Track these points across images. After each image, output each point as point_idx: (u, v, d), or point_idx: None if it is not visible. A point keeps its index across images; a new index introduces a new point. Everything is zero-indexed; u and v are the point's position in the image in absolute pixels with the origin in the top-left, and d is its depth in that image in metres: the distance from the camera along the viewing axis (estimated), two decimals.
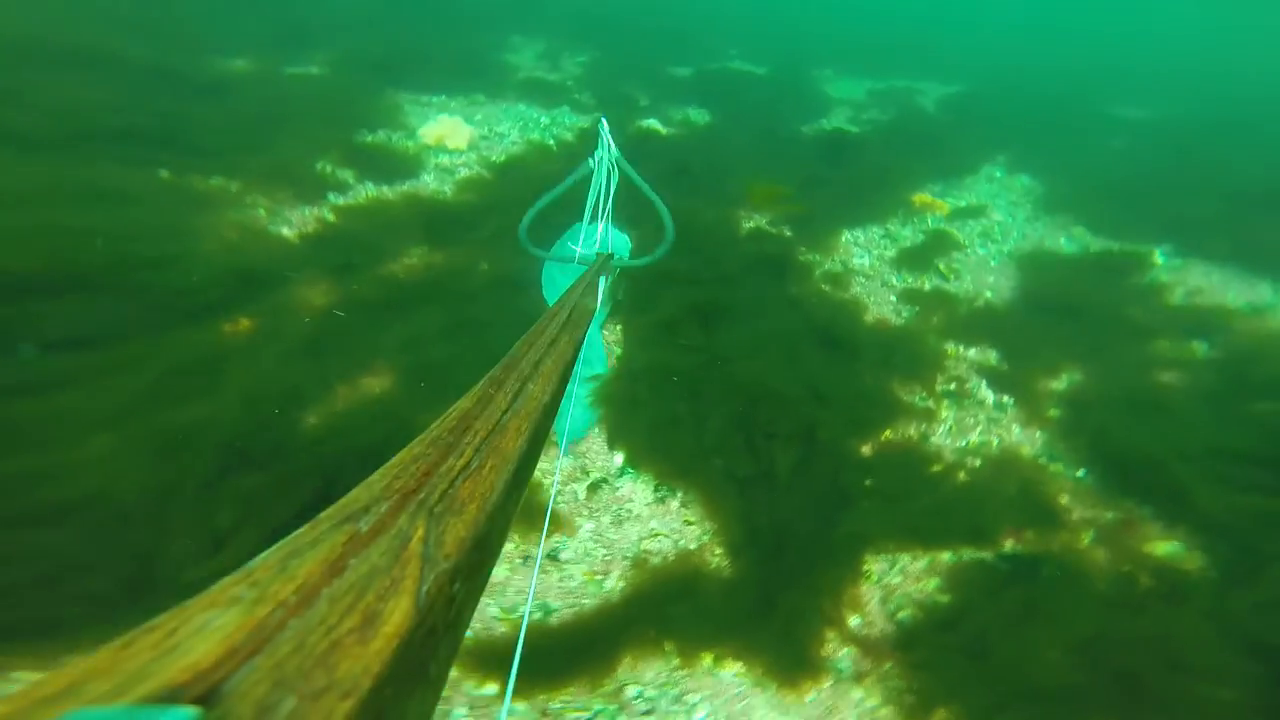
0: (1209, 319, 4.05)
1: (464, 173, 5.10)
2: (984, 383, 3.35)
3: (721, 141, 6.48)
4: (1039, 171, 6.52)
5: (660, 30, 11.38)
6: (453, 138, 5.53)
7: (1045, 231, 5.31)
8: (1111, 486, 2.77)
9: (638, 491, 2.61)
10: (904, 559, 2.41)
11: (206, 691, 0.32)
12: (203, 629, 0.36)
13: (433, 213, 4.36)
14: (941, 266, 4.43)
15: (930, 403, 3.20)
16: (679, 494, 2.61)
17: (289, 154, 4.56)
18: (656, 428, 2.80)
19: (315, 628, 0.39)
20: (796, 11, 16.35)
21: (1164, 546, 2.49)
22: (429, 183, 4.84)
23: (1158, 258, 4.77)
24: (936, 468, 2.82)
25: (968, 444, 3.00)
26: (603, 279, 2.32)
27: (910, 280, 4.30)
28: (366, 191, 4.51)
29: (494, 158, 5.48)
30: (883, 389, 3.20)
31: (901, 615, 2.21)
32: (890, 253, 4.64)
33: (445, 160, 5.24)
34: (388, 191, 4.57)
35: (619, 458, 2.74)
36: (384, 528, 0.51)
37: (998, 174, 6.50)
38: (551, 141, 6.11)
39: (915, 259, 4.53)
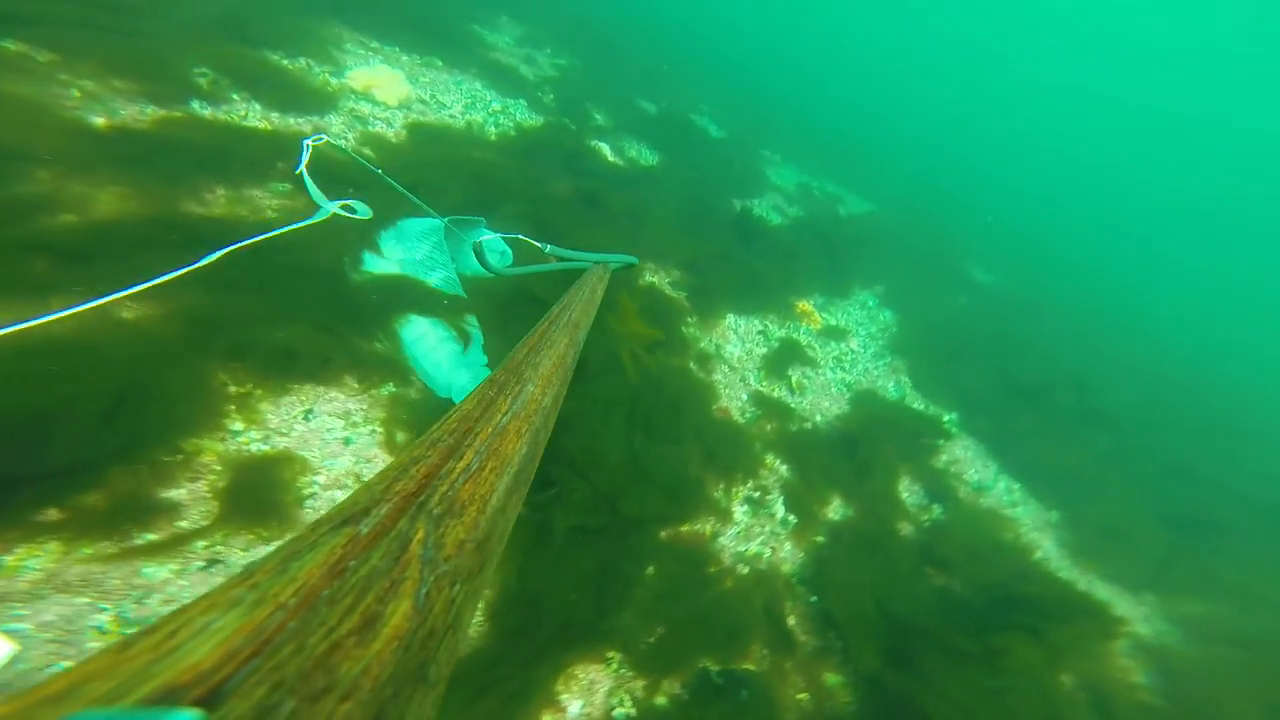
0: (951, 486, 4.59)
1: (377, 127, 4.59)
2: (781, 499, 3.60)
3: (656, 188, 6.28)
4: (900, 310, 6.95)
5: (643, 63, 11.19)
6: (384, 90, 5.02)
7: (882, 373, 5.63)
8: (823, 616, 3.05)
9: None
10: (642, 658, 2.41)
11: (207, 693, 0.33)
12: (203, 631, 0.36)
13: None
14: (794, 380, 4.69)
15: (733, 504, 3.39)
16: None
17: (156, 44, 3.79)
18: None
19: (315, 630, 0.39)
20: (772, 84, 16.60)
21: (833, 678, 2.77)
22: (330, 124, 4.29)
23: (946, 423, 5.42)
24: (712, 568, 2.96)
25: (747, 550, 3.19)
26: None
27: (764, 384, 4.49)
28: (245, 111, 3.86)
29: (422, 121, 5.04)
30: (699, 480, 3.33)
31: (618, 711, 2.24)
32: (760, 350, 4.80)
33: (364, 109, 4.71)
34: (274, 119, 3.96)
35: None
36: (384, 530, 0.51)
37: (870, 303, 6.86)
38: (492, 129, 5.71)
39: (777, 363, 4.72)
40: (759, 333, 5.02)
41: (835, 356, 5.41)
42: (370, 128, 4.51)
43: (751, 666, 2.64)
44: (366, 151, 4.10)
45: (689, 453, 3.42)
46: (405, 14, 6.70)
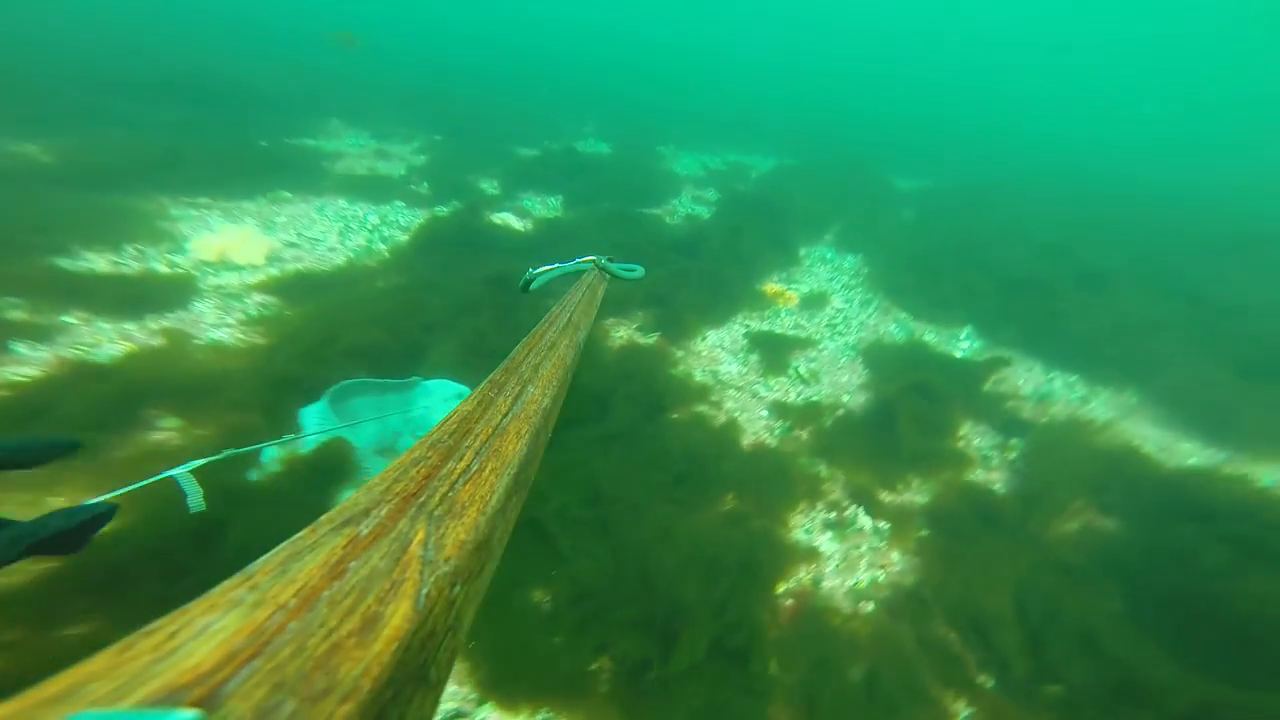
0: (1013, 408, 4.19)
1: (256, 302, 3.79)
2: (859, 508, 3.18)
3: (579, 232, 5.83)
4: (860, 249, 6.70)
5: (508, 110, 10.80)
6: (242, 249, 4.24)
7: (878, 319, 5.38)
8: (981, 625, 2.56)
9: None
10: None
11: (207, 695, 0.33)
12: (203, 632, 0.37)
13: (191, 372, 2.88)
14: (801, 370, 4.41)
15: (814, 539, 2.98)
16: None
17: None
18: (528, 649, 2.14)
19: (315, 631, 0.39)
20: (643, 82, 17.27)
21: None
22: (201, 315, 3.54)
23: (965, 341, 5.17)
24: (835, 621, 2.50)
25: (858, 583, 2.77)
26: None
27: (776, 388, 4.16)
28: (92, 339, 3.04)
29: (302, 271, 4.33)
30: (764, 535, 2.88)
31: None
32: (754, 355, 4.50)
33: (231, 281, 3.96)
34: (133, 333, 3.16)
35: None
36: (384, 531, 0.51)
37: (829, 255, 6.63)
38: (382, 247, 5.08)
39: (776, 359, 4.44)
40: (744, 336, 4.77)
41: (826, 325, 5.22)
42: (247, 304, 3.78)
43: None
44: (259, 341, 3.43)
45: (739, 511, 2.99)
46: (221, 156, 5.87)
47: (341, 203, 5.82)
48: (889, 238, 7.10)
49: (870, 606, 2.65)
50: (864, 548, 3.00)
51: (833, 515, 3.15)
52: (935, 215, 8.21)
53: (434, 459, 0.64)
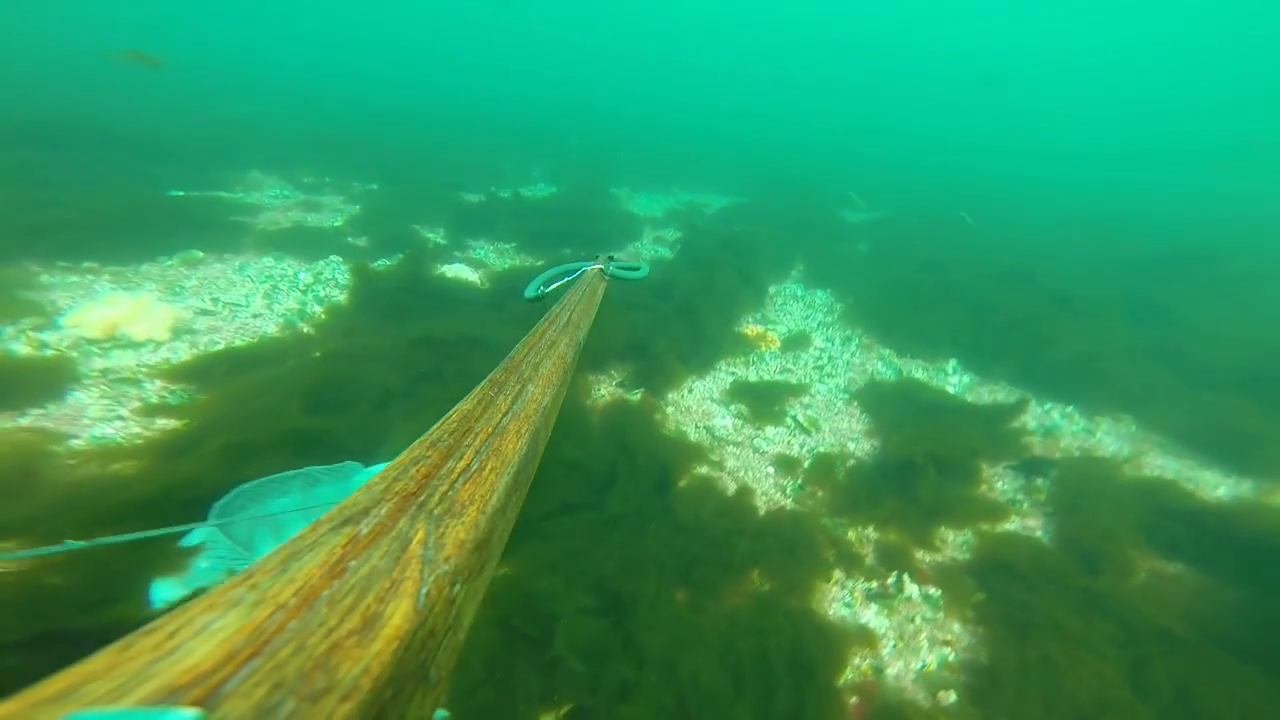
0: (1025, 444, 4.09)
1: (155, 390, 3.10)
2: (904, 574, 2.89)
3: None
4: (827, 283, 6.61)
5: (434, 155, 10.13)
6: (139, 322, 3.54)
7: (862, 358, 5.24)
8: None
9: None
10: None
11: (206, 694, 0.33)
12: (203, 631, 0.37)
13: (62, 482, 2.31)
14: (800, 418, 4.23)
15: (862, 618, 2.68)
16: None
17: None
18: None
19: (315, 630, 0.39)
20: (569, 123, 16.49)
21: None
22: (83, 405, 2.89)
23: (953, 374, 5.11)
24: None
25: (925, 667, 2.47)
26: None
27: (777, 440, 3.92)
28: None
29: (223, 349, 3.59)
30: (810, 618, 2.57)
31: None
32: (745, 405, 4.28)
33: (124, 362, 3.26)
34: None
35: None
36: (384, 530, 0.51)
37: (799, 291, 6.46)
38: (318, 309, 4.40)
39: (769, 409, 4.24)
40: (734, 383, 4.50)
41: (814, 367, 5.01)
42: (146, 391, 3.06)
43: None
44: (158, 435, 2.71)
45: (770, 592, 2.67)
46: (112, 212, 4.90)
47: (267, 261, 5.05)
48: (851, 271, 7.04)
49: (952, 696, 2.33)
50: (918, 620, 2.71)
51: (874, 585, 2.87)
52: (890, 246, 8.22)
53: (434, 458, 0.65)
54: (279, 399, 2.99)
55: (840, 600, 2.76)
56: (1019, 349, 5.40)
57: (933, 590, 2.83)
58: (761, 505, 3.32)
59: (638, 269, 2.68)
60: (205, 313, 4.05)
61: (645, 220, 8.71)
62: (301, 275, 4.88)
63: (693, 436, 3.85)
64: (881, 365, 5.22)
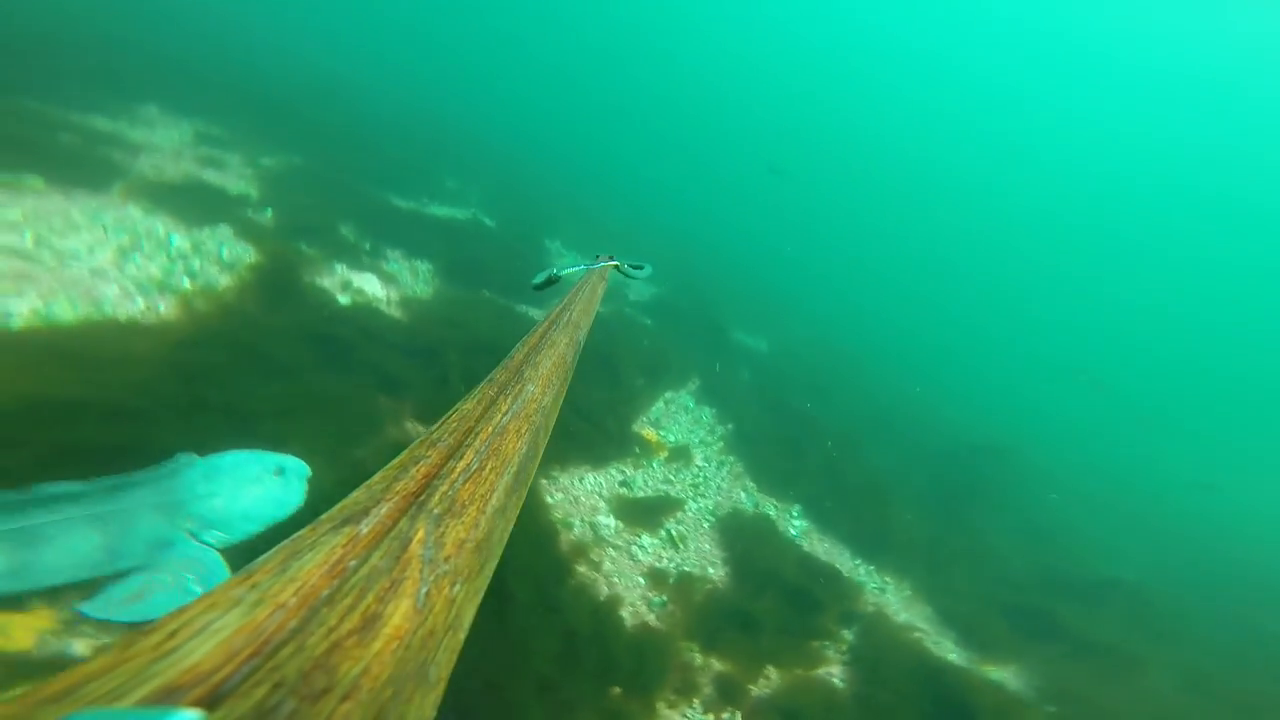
0: (852, 607, 4.43)
1: None
2: (736, 712, 3.15)
3: (450, 330, 4.74)
4: (715, 402, 6.64)
5: (375, 148, 9.04)
6: None
7: (730, 484, 5.37)
8: None
9: None
10: None
11: (206, 694, 0.33)
12: (202, 631, 0.37)
13: None
14: (672, 531, 4.34)
15: None
16: None
17: None
18: None
19: (315, 630, 0.39)
20: (522, 148, 15.75)
21: None
22: None
23: (796, 519, 5.43)
24: None
25: None
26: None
27: (651, 551, 4.04)
28: None
29: (18, 307, 2.71)
30: None
31: None
32: (628, 509, 4.35)
33: None
34: None
35: None
36: (384, 530, 0.51)
37: (690, 404, 6.48)
38: (187, 284, 3.56)
39: (649, 517, 4.34)
40: (620, 484, 4.50)
41: (690, 484, 5.12)
42: None
43: None
44: None
45: (626, 710, 2.77)
46: None
47: (132, 211, 4.04)
48: (734, 398, 7.19)
49: None
50: None
51: (710, 718, 3.10)
52: (770, 379, 8.48)
53: (434, 457, 0.64)
54: (93, 391, 2.30)
55: None
56: (849, 509, 5.93)
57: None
58: (629, 616, 3.40)
59: (642, 268, 2.70)
60: (15, 253, 2.99)
61: (570, 283, 8.48)
62: (176, 239, 3.95)
63: (576, 530, 3.84)
64: (744, 496, 5.52)
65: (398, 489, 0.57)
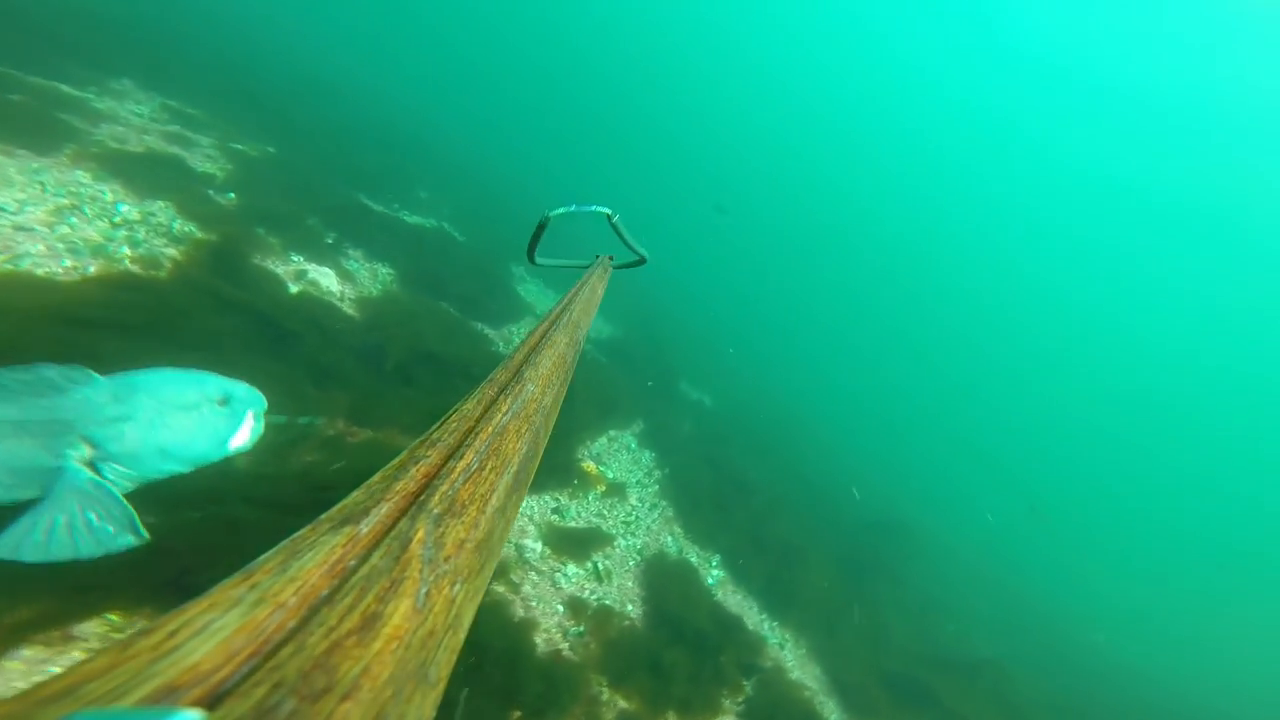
0: (754, 659, 4.69)
1: None
2: None
3: (401, 329, 4.67)
4: (656, 447, 6.73)
5: (351, 142, 9.04)
6: None
7: (660, 527, 5.47)
8: None
9: None
10: None
11: (206, 694, 0.33)
12: (203, 631, 0.37)
13: None
14: (599, 565, 4.36)
15: None
16: None
17: None
18: None
19: (315, 629, 0.39)
20: (503, 165, 15.84)
21: None
22: None
23: (714, 571, 5.59)
24: None
25: None
26: None
27: (575, 580, 4.07)
28: None
29: None
30: None
31: None
32: (557, 537, 4.34)
33: None
34: None
35: None
36: (384, 530, 0.51)
37: (632, 445, 6.57)
38: (126, 253, 3.40)
39: (577, 547, 4.33)
40: (554, 512, 4.52)
41: (622, 521, 5.20)
42: None
43: None
44: None
45: None
46: None
47: (79, 175, 3.85)
48: (673, 447, 7.26)
49: None
50: None
51: None
52: (709, 431, 8.57)
53: (434, 457, 0.64)
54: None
55: None
56: (765, 566, 6.16)
57: None
58: (542, 642, 3.42)
59: (643, 259, 2.60)
60: None
61: (528, 309, 8.05)
62: (124, 207, 3.76)
63: (508, 549, 3.87)
64: (671, 540, 5.59)
65: (397, 489, 0.57)
